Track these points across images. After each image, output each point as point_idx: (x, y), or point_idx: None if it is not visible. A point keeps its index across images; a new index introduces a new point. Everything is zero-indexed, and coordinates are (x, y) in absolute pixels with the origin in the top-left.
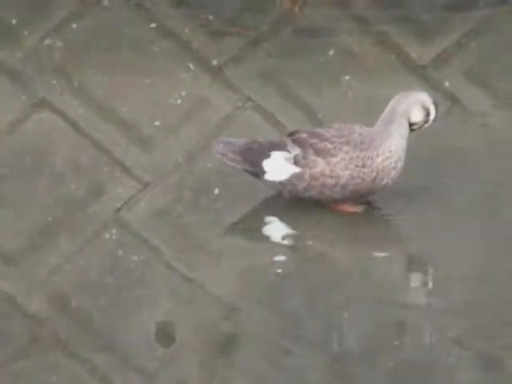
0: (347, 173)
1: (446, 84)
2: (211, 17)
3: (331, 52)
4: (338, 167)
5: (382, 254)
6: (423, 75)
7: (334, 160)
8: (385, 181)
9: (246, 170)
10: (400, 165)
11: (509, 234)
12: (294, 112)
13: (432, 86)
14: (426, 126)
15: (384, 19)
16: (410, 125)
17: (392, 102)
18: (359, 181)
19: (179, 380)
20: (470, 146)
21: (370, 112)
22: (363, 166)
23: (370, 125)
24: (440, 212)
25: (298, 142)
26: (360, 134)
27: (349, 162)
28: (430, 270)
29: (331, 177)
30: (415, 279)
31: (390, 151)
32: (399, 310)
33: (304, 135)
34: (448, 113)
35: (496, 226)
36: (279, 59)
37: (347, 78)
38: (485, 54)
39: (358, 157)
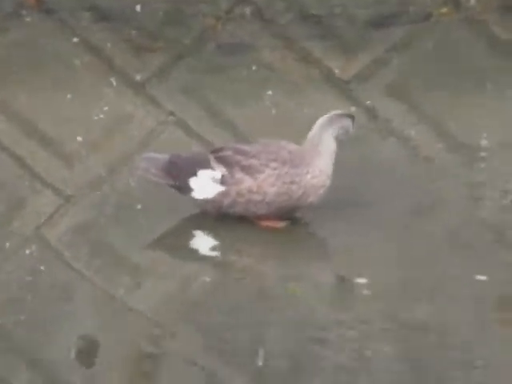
0: (274, 189)
1: (368, 100)
2: (134, 32)
3: (254, 67)
4: (265, 183)
5: (306, 270)
6: (346, 91)
7: (262, 176)
8: (311, 199)
9: (169, 185)
10: (328, 183)
11: (429, 247)
12: (217, 127)
13: (354, 102)
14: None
15: (306, 35)
16: None
17: (319, 122)
18: (286, 197)
19: None
20: (390, 161)
21: (293, 127)
22: (291, 182)
23: (294, 140)
24: (364, 226)
25: (223, 161)
26: (289, 152)
27: (276, 179)
28: (355, 286)
29: (258, 193)
30: (339, 295)
31: (320, 170)
32: (323, 327)
33: (229, 153)
34: (369, 128)
35: (416, 240)
36: (202, 74)
37: (270, 93)
38: (406, 70)
39: (286, 173)
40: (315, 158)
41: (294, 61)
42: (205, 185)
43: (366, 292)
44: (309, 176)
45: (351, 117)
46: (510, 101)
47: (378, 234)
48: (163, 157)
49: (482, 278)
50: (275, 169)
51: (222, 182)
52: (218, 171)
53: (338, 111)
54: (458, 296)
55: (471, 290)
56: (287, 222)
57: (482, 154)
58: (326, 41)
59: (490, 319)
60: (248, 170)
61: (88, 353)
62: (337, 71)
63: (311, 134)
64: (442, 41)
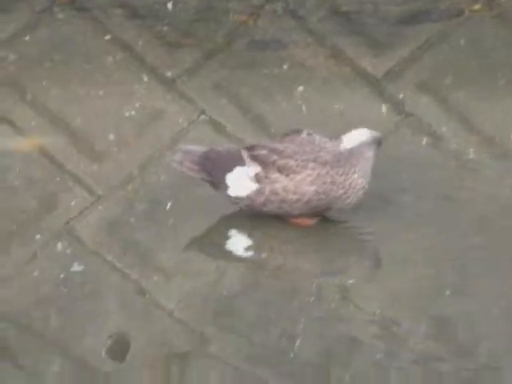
0: (313, 188)
1: (400, 96)
2: (165, 28)
3: (285, 64)
4: (303, 183)
5: (337, 268)
6: (377, 88)
7: (298, 177)
8: (350, 200)
9: (203, 179)
10: (367, 187)
11: (458, 246)
12: (248, 124)
13: (386, 99)
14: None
15: (338, 32)
16: None
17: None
18: (323, 196)
19: None
20: (422, 159)
21: (324, 124)
22: (332, 182)
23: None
24: (397, 223)
25: (258, 160)
26: (328, 152)
27: (316, 179)
28: (384, 283)
29: (294, 193)
30: (369, 292)
31: (365, 171)
32: (353, 324)
33: (264, 152)
34: (401, 125)
35: (446, 239)
36: (233, 71)
37: (301, 90)
38: (438, 67)
39: (327, 173)
40: (361, 158)
41: (325, 58)
42: (240, 182)
43: (395, 289)
44: (356, 175)
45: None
46: None
47: (408, 232)
48: (199, 150)
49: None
50: (314, 169)
51: (257, 180)
52: (253, 169)
53: (377, 133)
54: (486, 293)
55: (501, 287)
56: (317, 220)
57: None
58: (358, 38)
59: None
60: (283, 169)
61: (118, 350)
62: (368, 68)
63: (351, 142)
64: (473, 37)
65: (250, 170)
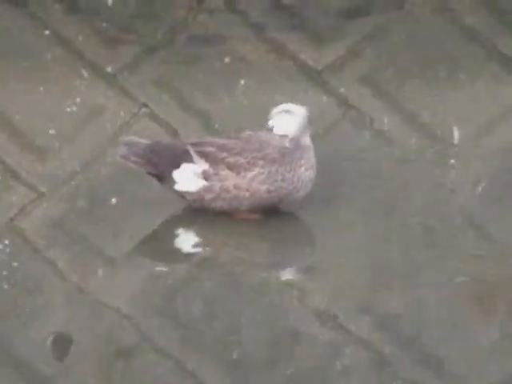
0: (265, 187)
1: (342, 90)
2: (105, 24)
3: (227, 59)
4: (255, 181)
5: (282, 260)
6: (319, 81)
7: (250, 174)
8: (300, 193)
9: (149, 173)
10: (314, 178)
11: (401, 236)
12: (190, 119)
13: (327, 92)
14: None
15: (279, 26)
16: None
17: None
18: (275, 194)
19: None
20: (364, 151)
21: (266, 118)
22: (282, 180)
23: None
24: (341, 216)
25: (205, 156)
26: (274, 148)
27: (267, 177)
28: (328, 274)
29: (247, 190)
30: (314, 284)
31: (312, 164)
32: (297, 317)
33: (212, 149)
34: (343, 118)
35: (390, 229)
36: (174, 66)
37: (242, 84)
38: (379, 60)
39: (276, 171)
40: (304, 151)
41: (267, 52)
42: (187, 178)
43: (339, 281)
44: (302, 169)
45: (302, 108)
46: (482, 91)
47: (353, 224)
48: (143, 143)
49: (456, 265)
50: (263, 167)
51: (205, 177)
52: (200, 166)
53: (291, 105)
54: (432, 284)
55: (446, 278)
56: (263, 214)
57: (455, 143)
58: (299, 31)
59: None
60: (233, 167)
61: (61, 346)
62: (310, 62)
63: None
64: (414, 31)
65: (197, 166)
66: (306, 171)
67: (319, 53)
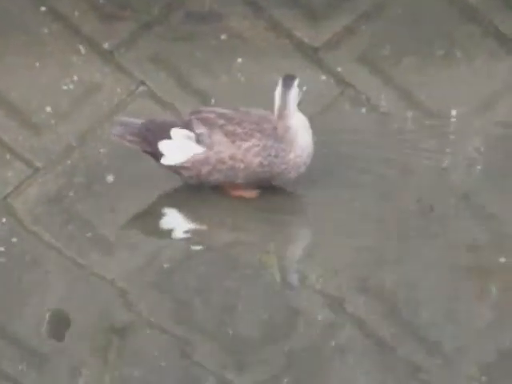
0: (258, 160)
1: (338, 68)
2: (102, 0)
3: (223, 36)
4: (250, 152)
5: (279, 239)
6: (316, 59)
7: (245, 145)
8: (291, 174)
9: (145, 151)
10: (308, 162)
11: (398, 215)
12: (187, 95)
13: (324, 70)
14: None
15: (276, 3)
16: None
17: (279, 94)
18: (267, 169)
19: (71, 366)
20: (361, 130)
21: (262, 95)
22: (275, 156)
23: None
24: (339, 194)
25: (204, 122)
26: (271, 124)
27: (262, 150)
28: (325, 254)
29: (242, 161)
30: (310, 263)
31: (302, 149)
32: (293, 296)
33: (211, 115)
34: (340, 96)
35: (386, 209)
36: (171, 43)
37: (239, 61)
38: (376, 38)
39: (271, 146)
40: (296, 136)
41: (264, 29)
42: (177, 146)
43: (336, 260)
44: (292, 155)
45: (291, 77)
46: (479, 68)
47: (350, 203)
48: (138, 122)
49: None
50: (260, 139)
51: (198, 140)
52: (196, 130)
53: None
54: (428, 265)
55: (440, 255)
56: (258, 192)
57: (451, 121)
58: (296, 9)
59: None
60: (230, 135)
61: (58, 323)
62: (306, 39)
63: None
64: (411, 8)
65: (194, 130)
66: (295, 158)
67: (315, 30)
